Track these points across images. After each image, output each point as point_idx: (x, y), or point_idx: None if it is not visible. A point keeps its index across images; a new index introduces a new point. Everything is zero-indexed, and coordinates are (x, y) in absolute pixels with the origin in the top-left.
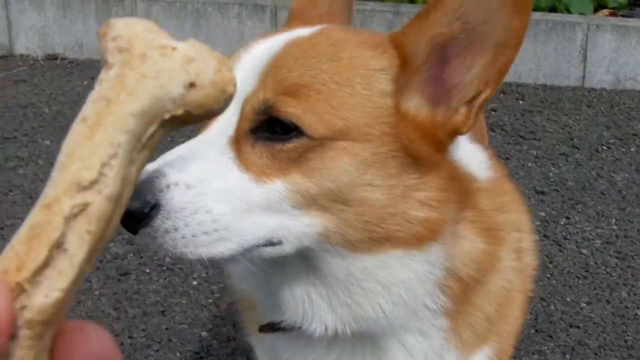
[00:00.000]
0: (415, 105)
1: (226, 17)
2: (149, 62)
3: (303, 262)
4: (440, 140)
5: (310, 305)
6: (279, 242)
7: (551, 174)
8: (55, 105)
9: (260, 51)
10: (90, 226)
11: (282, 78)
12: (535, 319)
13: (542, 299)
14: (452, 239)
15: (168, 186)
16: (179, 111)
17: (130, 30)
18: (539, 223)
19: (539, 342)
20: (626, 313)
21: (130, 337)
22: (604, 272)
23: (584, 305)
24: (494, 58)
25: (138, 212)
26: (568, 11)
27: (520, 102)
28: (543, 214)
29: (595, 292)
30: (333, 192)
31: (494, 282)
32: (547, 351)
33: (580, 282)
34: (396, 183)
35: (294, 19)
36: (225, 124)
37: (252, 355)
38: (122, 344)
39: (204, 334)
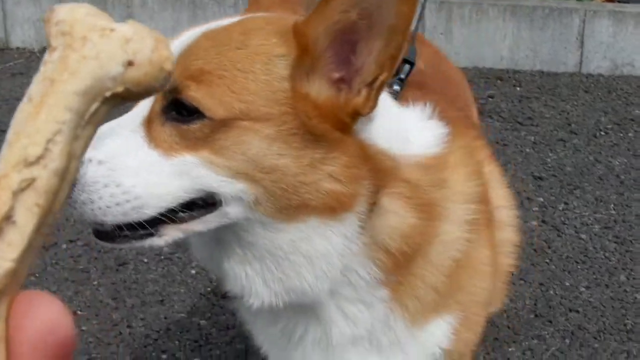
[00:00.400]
0: (317, 88)
1: (222, 7)
2: (89, 44)
3: (238, 238)
4: (342, 120)
5: (247, 280)
6: (219, 204)
7: (549, 160)
8: None
9: (182, 39)
10: (38, 199)
11: (189, 64)
12: (535, 304)
13: (541, 284)
14: (379, 213)
15: (83, 162)
16: (119, 89)
17: (72, 15)
18: (537, 208)
19: (539, 327)
20: (625, 297)
21: (129, 327)
22: (603, 256)
23: (583, 289)
24: (387, 43)
25: None
26: None
27: (518, 88)
28: (541, 199)
29: (594, 276)
30: (246, 163)
31: (435, 254)
32: (547, 336)
33: (579, 266)
34: (303, 154)
35: (252, 5)
36: (143, 106)
37: (250, 343)
38: (120, 333)
39: (202, 322)
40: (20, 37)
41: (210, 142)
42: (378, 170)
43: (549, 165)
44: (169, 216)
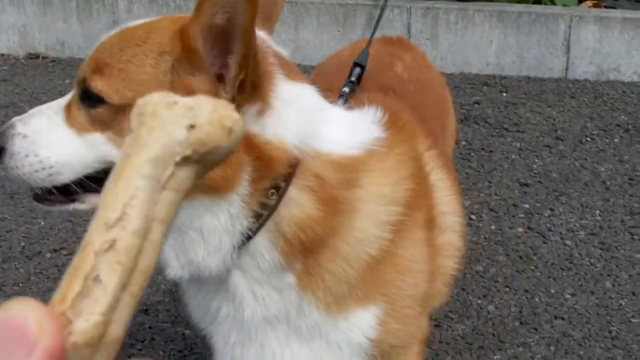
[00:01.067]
0: (199, 82)
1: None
2: (157, 118)
3: None
4: None
5: (163, 252)
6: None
7: (535, 166)
8: (36, 104)
9: (103, 37)
10: (119, 257)
11: (97, 57)
12: (520, 312)
13: (526, 291)
14: (285, 202)
15: (13, 135)
16: (187, 152)
17: (147, 99)
18: (522, 215)
19: (524, 335)
20: (610, 304)
21: None
22: (588, 263)
23: (568, 296)
24: (241, 44)
25: None
26: (552, 3)
27: (504, 94)
28: (527, 206)
29: (580, 283)
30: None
31: (345, 249)
32: (532, 343)
33: (564, 273)
34: None
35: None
36: (69, 95)
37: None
38: None
39: (187, 332)
40: (5, 43)
41: (113, 124)
42: (267, 159)
43: (535, 171)
44: (87, 184)
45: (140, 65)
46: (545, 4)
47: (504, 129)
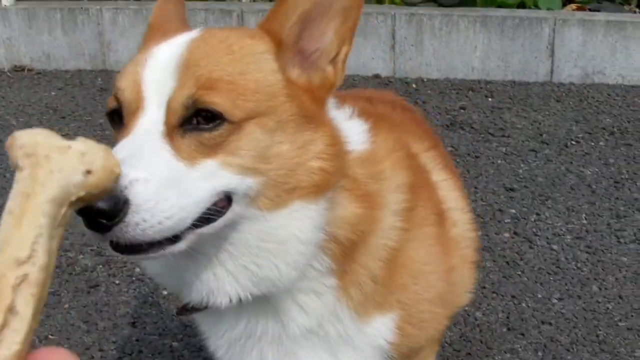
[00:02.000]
0: (297, 73)
1: (192, 23)
2: (53, 161)
3: (218, 240)
4: (321, 97)
5: (216, 282)
6: (229, 204)
7: (521, 171)
8: (22, 117)
9: (165, 54)
10: (32, 290)
11: (198, 75)
12: (507, 317)
13: (513, 296)
14: (331, 206)
15: (131, 183)
16: (81, 193)
17: (33, 139)
18: (509, 220)
19: (511, 340)
20: (597, 308)
21: (100, 350)
22: (575, 267)
23: (555, 301)
24: (344, 19)
25: (111, 209)
26: (536, 6)
27: (489, 99)
28: (513, 211)
29: (567, 287)
30: (255, 157)
31: (373, 241)
32: (520, 349)
33: (551, 278)
34: (296, 139)
35: (155, 32)
36: (153, 121)
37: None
38: (92, 357)
39: (175, 344)
40: None
41: (225, 146)
42: (343, 154)
43: (521, 176)
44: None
45: (245, 73)
46: (529, 7)
47: (490, 134)
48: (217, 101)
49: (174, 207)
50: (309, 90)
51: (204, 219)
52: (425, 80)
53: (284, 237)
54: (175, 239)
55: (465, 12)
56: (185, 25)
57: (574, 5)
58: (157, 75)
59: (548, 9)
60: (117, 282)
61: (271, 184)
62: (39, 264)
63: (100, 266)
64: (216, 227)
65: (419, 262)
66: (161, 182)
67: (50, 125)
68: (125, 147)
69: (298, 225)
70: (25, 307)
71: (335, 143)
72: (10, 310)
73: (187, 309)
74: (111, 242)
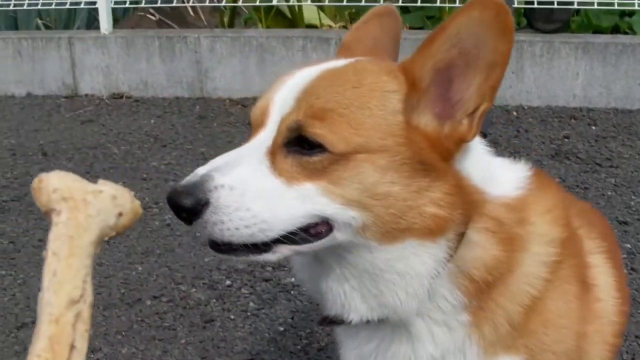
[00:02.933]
0: (426, 120)
1: (290, 50)
2: (90, 205)
3: (338, 258)
4: (448, 149)
5: (345, 297)
6: (330, 230)
7: (633, 203)
8: (124, 145)
9: (298, 79)
10: (85, 326)
11: (312, 103)
12: (633, 359)
13: (637, 336)
14: (466, 245)
15: (216, 187)
16: (113, 233)
17: (64, 183)
18: (625, 255)
19: None
20: None
21: None
22: None
23: None
24: (487, 76)
25: (192, 207)
26: (632, 30)
27: (593, 127)
28: (629, 245)
29: None
30: (360, 192)
31: (515, 283)
32: None
33: None
34: (411, 182)
35: (343, 51)
36: (264, 138)
37: None
38: None
39: None
40: (89, 84)
41: (328, 173)
42: (469, 202)
43: (633, 208)
44: (288, 237)
45: (364, 108)
46: (624, 30)
47: (597, 164)
48: (319, 132)
49: (256, 218)
50: (435, 139)
51: (302, 239)
52: (526, 107)
53: (401, 270)
54: (265, 248)
55: (567, 38)
56: (381, 49)
57: None
58: (281, 98)
59: None
60: (232, 317)
61: (379, 220)
62: (89, 302)
63: (214, 300)
64: (313, 248)
65: (554, 314)
66: (247, 192)
67: (151, 153)
68: (226, 156)
69: (415, 260)
70: (82, 343)
71: (458, 193)
72: (73, 347)
73: (326, 321)
74: (210, 242)
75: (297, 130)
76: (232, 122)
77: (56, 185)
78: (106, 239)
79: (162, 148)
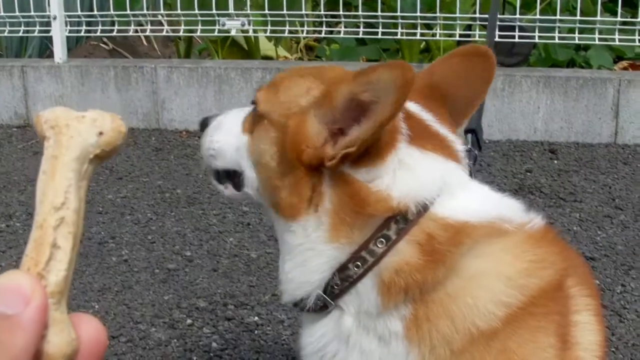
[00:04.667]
0: (317, 127)
1: (249, 82)
2: (72, 128)
3: (274, 230)
4: (307, 157)
5: (280, 275)
6: (241, 174)
7: (599, 238)
8: None
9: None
10: (69, 229)
11: (276, 78)
12: None
13: None
14: (393, 250)
15: (214, 117)
16: (97, 151)
17: (54, 114)
18: None
19: None
20: None
21: None
22: None
23: None
24: (371, 127)
25: (204, 123)
26: (588, 64)
27: (555, 161)
28: (597, 282)
29: None
30: (257, 154)
31: (452, 309)
32: None
33: None
34: (282, 161)
35: (426, 75)
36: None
37: None
38: None
39: None
40: None
41: (254, 130)
42: (361, 204)
43: (600, 244)
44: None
45: (289, 89)
46: (581, 65)
47: (561, 198)
48: (258, 94)
49: (212, 144)
50: (307, 145)
51: (235, 183)
52: (487, 142)
53: (286, 246)
54: (221, 180)
55: (528, 72)
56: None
57: (625, 62)
58: None
59: (599, 67)
60: (194, 358)
61: (263, 189)
62: (72, 208)
63: (175, 340)
64: (236, 196)
65: (520, 357)
66: (221, 129)
67: (106, 186)
68: (224, 115)
69: (291, 237)
70: (65, 242)
71: (311, 189)
72: (54, 245)
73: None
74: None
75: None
76: (189, 154)
77: (47, 117)
78: (91, 156)
79: (117, 180)
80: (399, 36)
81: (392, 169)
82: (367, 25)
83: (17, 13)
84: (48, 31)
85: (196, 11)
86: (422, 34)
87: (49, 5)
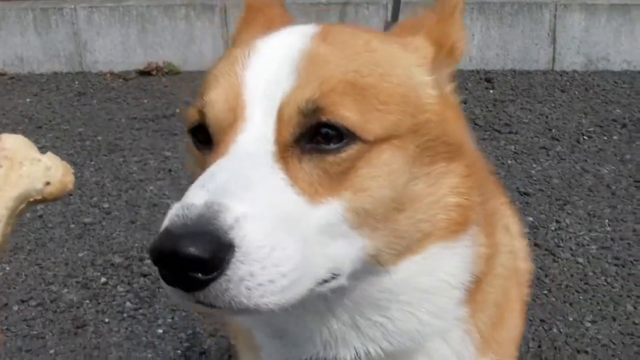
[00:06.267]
0: (448, 86)
1: (173, 20)
2: (25, 168)
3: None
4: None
5: (331, 335)
6: (337, 274)
7: (534, 172)
8: None
9: (284, 50)
10: None
11: (326, 76)
12: (539, 347)
13: (542, 320)
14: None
15: (237, 220)
16: (38, 197)
17: (14, 145)
18: (527, 230)
19: None
20: (635, 330)
21: None
22: (605, 282)
23: (588, 324)
24: None
25: (211, 258)
26: None
27: (491, 91)
28: (531, 218)
29: (599, 307)
30: (388, 201)
31: (497, 268)
32: None
33: (580, 297)
34: (430, 171)
35: (253, 18)
36: (256, 139)
37: None
38: None
39: None
40: None
41: (351, 177)
42: (484, 181)
43: (534, 178)
44: None
45: (390, 75)
46: None
47: (496, 130)
48: (348, 114)
49: (291, 261)
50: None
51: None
52: None
53: (423, 286)
54: None
55: None
56: (288, 15)
57: None
58: (266, 74)
59: None
60: (106, 319)
61: (397, 239)
62: None
63: (87, 301)
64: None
65: (511, 294)
66: (277, 222)
67: (26, 135)
68: (224, 170)
69: (441, 268)
70: None
71: (471, 173)
72: None
73: None
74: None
75: (314, 114)
76: (112, 97)
77: (7, 146)
78: (31, 199)
79: (36, 130)
80: None
81: None
82: None
83: None
84: None
85: None
86: None
87: None
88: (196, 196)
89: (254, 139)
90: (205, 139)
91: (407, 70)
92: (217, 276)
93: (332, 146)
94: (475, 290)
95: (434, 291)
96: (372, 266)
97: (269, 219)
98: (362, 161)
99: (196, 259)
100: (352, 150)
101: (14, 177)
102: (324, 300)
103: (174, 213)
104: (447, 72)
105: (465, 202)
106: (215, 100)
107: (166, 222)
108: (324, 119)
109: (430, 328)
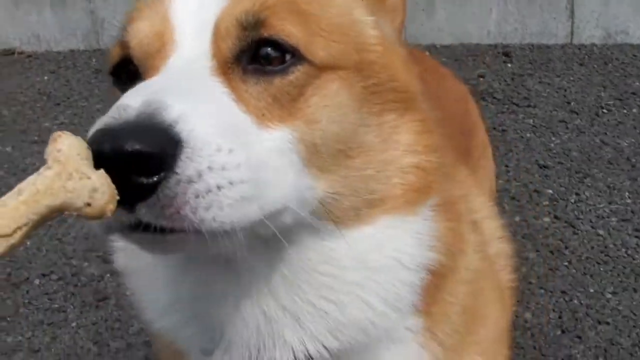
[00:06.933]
0: (389, 32)
1: None
2: (70, 182)
3: (267, 257)
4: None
5: (268, 325)
6: (286, 207)
7: (553, 145)
8: (14, 106)
9: None
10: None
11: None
12: (560, 317)
13: (563, 292)
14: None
15: (181, 116)
16: (74, 214)
17: (69, 151)
18: (547, 202)
19: (567, 345)
20: None
21: None
22: (625, 254)
23: (609, 296)
24: None
25: (160, 153)
26: None
27: (509, 65)
28: (550, 191)
29: (620, 279)
30: (338, 138)
31: (461, 272)
32: (578, 355)
33: (601, 268)
34: (381, 123)
35: None
36: (190, 56)
37: None
38: None
39: None
40: None
41: (301, 104)
42: (439, 144)
43: (554, 151)
44: None
45: (330, 6)
46: None
47: (514, 104)
48: (293, 31)
49: (240, 170)
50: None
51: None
52: (438, 46)
53: (377, 263)
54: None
55: None
56: None
57: None
58: None
59: None
60: (127, 293)
61: (346, 190)
62: (11, 243)
63: (108, 275)
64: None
65: (484, 286)
66: (224, 126)
67: (43, 113)
68: (156, 81)
69: (395, 244)
70: None
71: (428, 129)
72: None
73: None
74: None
75: (255, 27)
76: None
77: (62, 148)
78: (65, 213)
79: (54, 107)
80: None
81: None
82: None
83: None
84: None
85: None
86: None
87: None
88: (131, 99)
89: (187, 57)
90: (130, 77)
91: (346, 5)
92: (165, 177)
93: (278, 67)
94: (432, 300)
95: (386, 271)
96: (317, 221)
97: (215, 121)
98: (311, 88)
99: (144, 155)
100: (299, 72)
101: (57, 186)
102: (264, 256)
103: (109, 115)
104: (392, 21)
105: (423, 164)
106: (140, 28)
107: (98, 125)
108: (265, 34)
109: (383, 320)
